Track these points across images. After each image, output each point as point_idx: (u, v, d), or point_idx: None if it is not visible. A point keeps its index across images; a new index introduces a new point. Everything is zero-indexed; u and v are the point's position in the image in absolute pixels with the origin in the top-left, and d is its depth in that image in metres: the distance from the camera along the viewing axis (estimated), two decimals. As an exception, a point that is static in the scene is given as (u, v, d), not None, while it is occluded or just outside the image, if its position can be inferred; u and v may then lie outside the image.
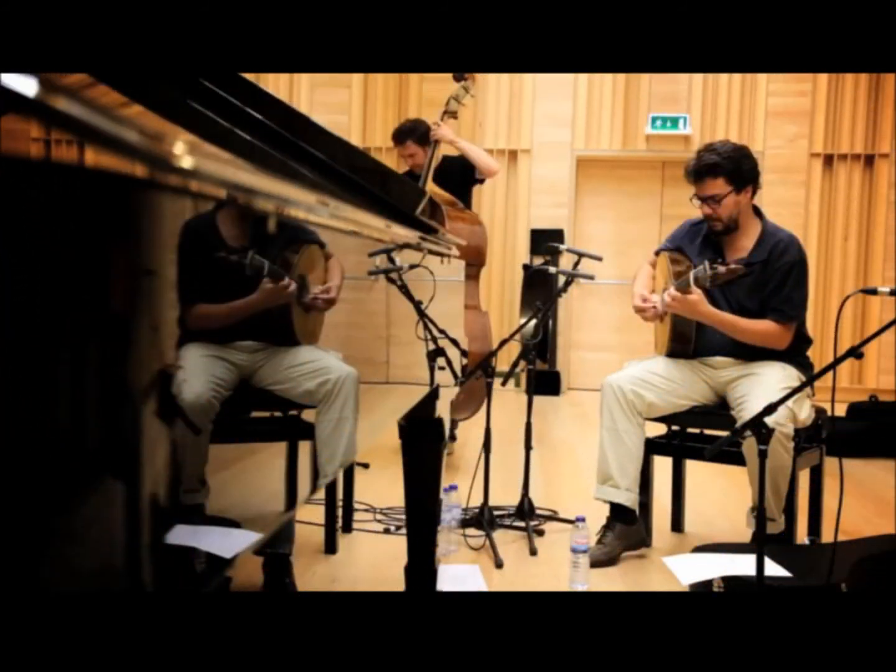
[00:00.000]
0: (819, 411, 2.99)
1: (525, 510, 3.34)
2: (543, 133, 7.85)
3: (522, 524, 3.29)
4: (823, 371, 2.12)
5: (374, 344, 1.51)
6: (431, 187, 4.35)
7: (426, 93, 7.76)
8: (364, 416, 1.28)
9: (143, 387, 0.64)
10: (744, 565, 2.36)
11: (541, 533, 3.30)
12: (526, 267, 7.57)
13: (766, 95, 7.67)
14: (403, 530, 2.66)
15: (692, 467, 3.46)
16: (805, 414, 2.85)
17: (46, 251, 0.53)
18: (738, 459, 2.79)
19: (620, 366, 3.18)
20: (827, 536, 2.99)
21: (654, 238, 7.48)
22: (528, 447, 3.42)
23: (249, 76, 1.11)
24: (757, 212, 3.06)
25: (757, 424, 2.03)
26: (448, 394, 2.28)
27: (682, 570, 2.48)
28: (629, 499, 2.98)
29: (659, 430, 3.16)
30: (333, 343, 1.17)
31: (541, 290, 6.40)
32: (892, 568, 2.19)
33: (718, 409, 3.01)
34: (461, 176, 4.57)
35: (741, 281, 2.85)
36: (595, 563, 2.85)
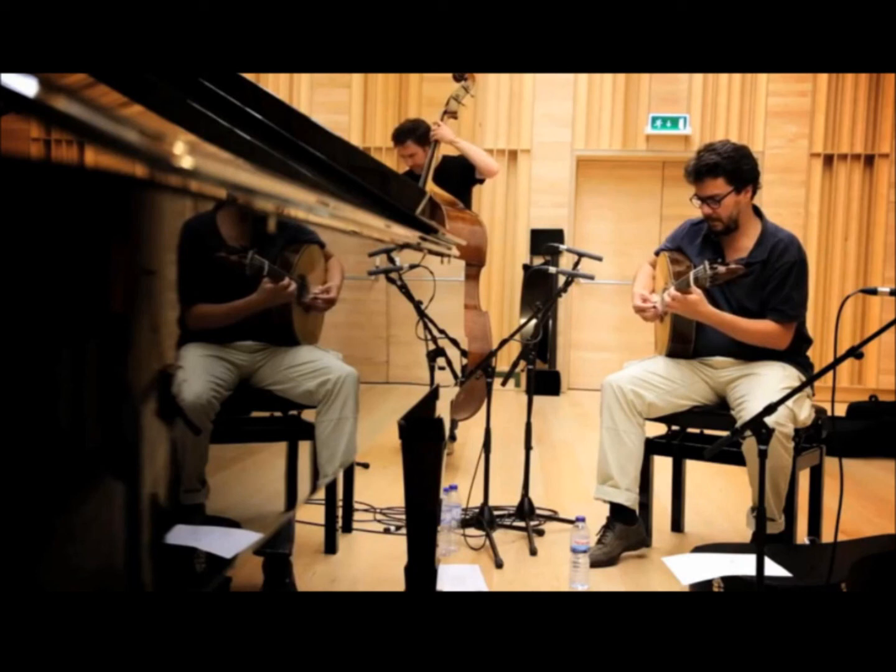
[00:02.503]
0: (819, 411, 2.99)
1: (525, 510, 3.34)
2: (543, 133, 7.86)
3: (522, 524, 3.29)
4: (823, 371, 2.12)
5: (374, 344, 1.51)
6: (431, 187, 4.35)
7: (426, 93, 7.77)
8: (364, 416, 1.28)
9: (144, 387, 0.64)
10: (744, 565, 2.36)
11: (541, 533, 3.30)
12: (526, 267, 7.58)
13: (766, 95, 7.68)
14: (403, 530, 2.66)
15: (692, 467, 3.46)
16: (805, 414, 2.85)
17: (46, 251, 0.53)
18: (738, 459, 2.80)
19: (620, 366, 3.18)
20: (827, 536, 2.99)
21: (654, 238, 7.48)
22: (528, 447, 3.42)
23: (249, 76, 1.11)
24: (757, 212, 3.06)
25: (757, 424, 2.03)
26: (448, 394, 2.28)
27: (682, 570, 2.48)
28: (629, 499, 2.98)
29: (659, 430, 3.17)
30: (333, 343, 1.17)
31: (541, 290, 6.40)
32: (892, 568, 2.19)
33: (718, 409, 3.01)
34: (461, 176, 4.57)
35: (741, 281, 2.85)
36: (595, 563, 2.85)
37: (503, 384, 3.66)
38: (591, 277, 3.41)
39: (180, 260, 0.66)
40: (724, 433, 2.32)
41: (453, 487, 3.15)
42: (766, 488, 2.20)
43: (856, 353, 1.99)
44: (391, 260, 1.50)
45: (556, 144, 7.85)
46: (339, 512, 3.11)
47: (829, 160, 7.65)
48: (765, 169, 7.12)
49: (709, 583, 2.36)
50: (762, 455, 2.02)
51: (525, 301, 7.30)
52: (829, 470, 2.92)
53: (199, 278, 0.75)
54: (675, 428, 3.16)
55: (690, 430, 3.16)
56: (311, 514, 3.08)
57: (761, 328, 2.93)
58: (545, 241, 7.19)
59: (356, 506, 3.38)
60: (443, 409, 2.20)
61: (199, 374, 0.77)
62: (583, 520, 2.75)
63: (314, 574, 2.77)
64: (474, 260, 4.35)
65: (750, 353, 2.96)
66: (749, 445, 2.66)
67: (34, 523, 0.53)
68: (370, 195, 1.52)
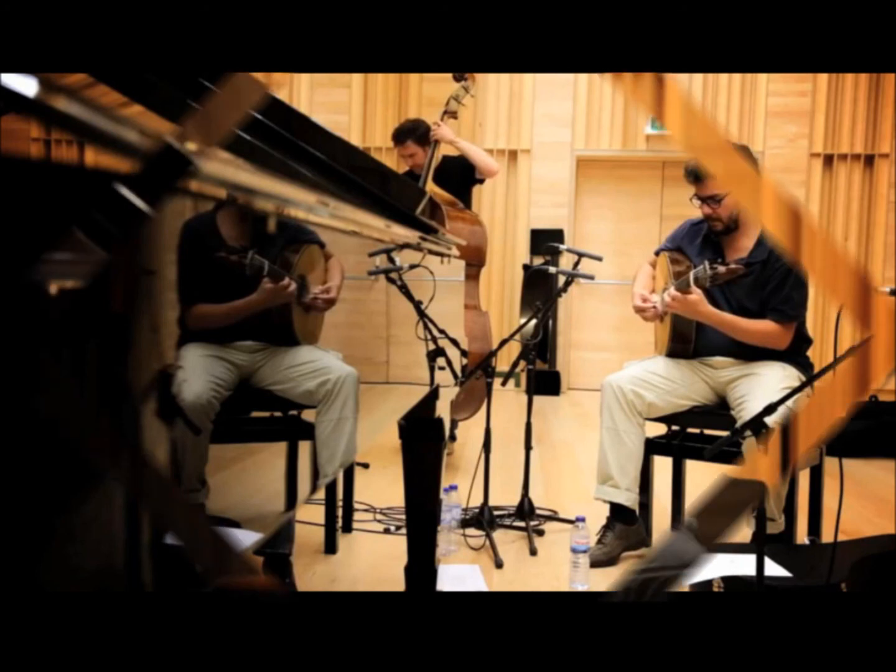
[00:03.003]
0: (819, 411, 2.98)
1: (525, 510, 3.34)
2: (543, 133, 7.86)
3: (522, 524, 3.29)
4: (823, 371, 2.12)
5: (374, 344, 1.51)
6: (431, 187, 4.35)
7: (426, 93, 7.77)
8: (364, 416, 1.28)
9: (144, 387, 0.64)
10: (744, 565, 2.36)
11: (541, 533, 3.30)
12: (526, 267, 7.58)
13: (766, 95, 7.68)
14: (403, 530, 2.66)
15: (692, 467, 3.46)
16: (805, 414, 2.84)
17: (47, 251, 0.53)
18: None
19: (620, 366, 3.18)
20: (827, 536, 2.99)
21: (654, 238, 7.48)
22: (528, 447, 3.42)
23: (249, 76, 1.11)
24: (757, 212, 3.06)
25: (757, 424, 2.03)
26: (448, 394, 2.28)
27: (682, 570, 2.47)
28: (629, 499, 2.98)
29: (659, 430, 3.16)
30: (333, 343, 1.17)
31: (541, 290, 6.40)
32: (892, 568, 2.19)
33: (718, 409, 3.01)
34: (461, 176, 4.57)
35: (741, 281, 2.85)
36: (595, 563, 2.85)
37: (503, 384, 3.65)
38: (591, 277, 3.41)
39: (180, 260, 0.66)
40: (724, 433, 2.32)
41: (453, 487, 3.15)
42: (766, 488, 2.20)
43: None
44: (391, 260, 1.50)
45: (556, 144, 7.85)
46: (339, 512, 3.11)
47: (829, 160, 7.65)
48: (765, 169, 7.12)
49: (709, 583, 2.36)
50: (762, 455, 2.02)
51: (525, 301, 7.30)
52: (829, 470, 2.92)
53: (199, 278, 0.75)
54: (675, 428, 3.16)
55: (690, 430, 3.15)
56: (311, 514, 3.08)
57: (761, 328, 2.93)
58: (545, 241, 7.19)
59: (356, 506, 3.38)
60: (443, 409, 2.20)
61: (199, 374, 0.77)
62: (583, 520, 2.75)
63: (314, 574, 2.77)
64: (474, 260, 4.35)
65: (750, 353, 2.95)
66: (749, 445, 2.66)
67: (35, 523, 0.53)
68: (370, 195, 1.52)
